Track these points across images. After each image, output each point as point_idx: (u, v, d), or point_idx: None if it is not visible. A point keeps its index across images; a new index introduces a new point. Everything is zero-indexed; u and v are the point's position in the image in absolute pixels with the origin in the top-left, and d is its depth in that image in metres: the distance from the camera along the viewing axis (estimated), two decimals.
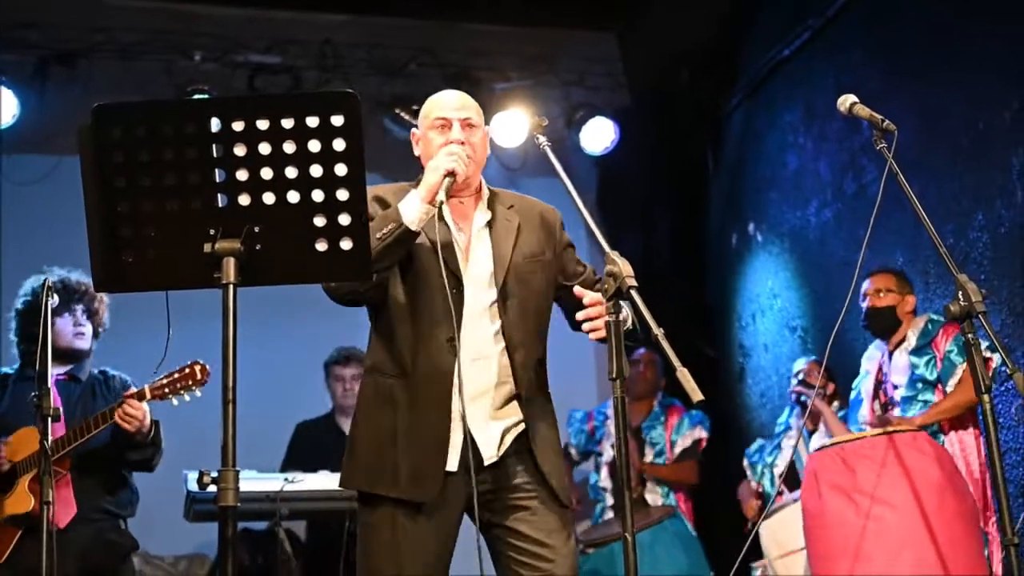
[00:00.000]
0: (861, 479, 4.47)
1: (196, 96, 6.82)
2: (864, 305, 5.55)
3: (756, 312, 7.78)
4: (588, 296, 3.36)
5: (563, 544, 3.49)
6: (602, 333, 3.26)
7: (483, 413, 3.49)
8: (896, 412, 5.26)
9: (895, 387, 5.37)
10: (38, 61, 7.40)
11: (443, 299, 3.40)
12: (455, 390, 3.40)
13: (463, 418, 3.37)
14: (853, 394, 5.66)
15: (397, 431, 3.45)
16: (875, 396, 5.50)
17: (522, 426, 3.52)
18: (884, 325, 5.51)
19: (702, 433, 6.98)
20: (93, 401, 4.77)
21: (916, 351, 5.29)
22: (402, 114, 7.74)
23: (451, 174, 3.38)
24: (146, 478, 4.97)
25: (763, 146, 7.77)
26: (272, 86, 7.63)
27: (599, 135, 8.08)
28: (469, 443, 3.36)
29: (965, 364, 4.80)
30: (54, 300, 4.36)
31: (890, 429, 4.69)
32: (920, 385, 5.24)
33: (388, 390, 3.50)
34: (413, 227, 3.37)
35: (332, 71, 7.75)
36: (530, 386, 3.55)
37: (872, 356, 5.63)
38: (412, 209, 3.38)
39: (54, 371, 4.65)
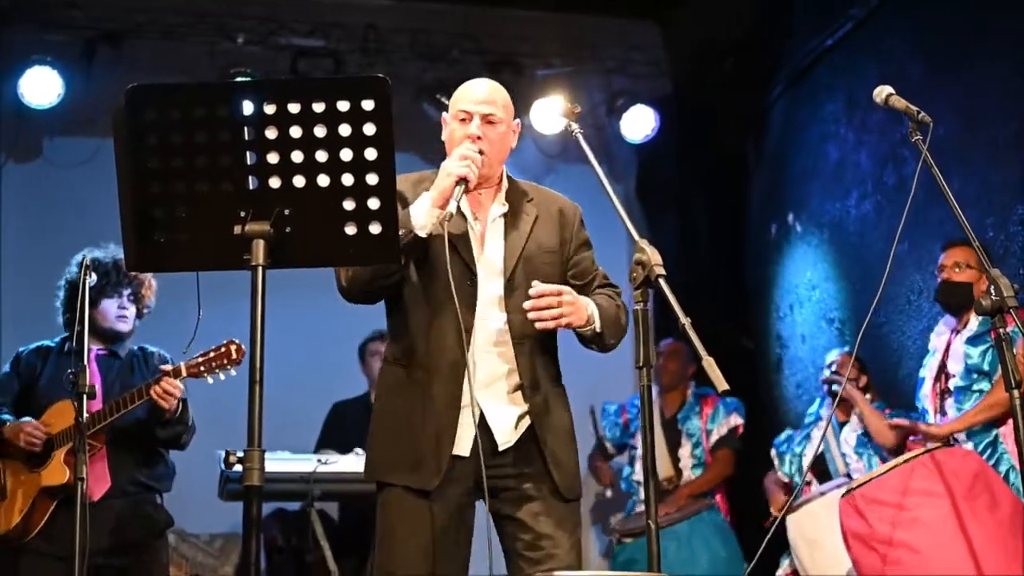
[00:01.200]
0: (876, 526, 4.41)
1: (238, 79, 6.86)
2: (939, 277, 5.32)
3: (794, 303, 7.74)
4: (538, 287, 3.39)
5: (567, 536, 3.51)
6: (547, 324, 3.37)
7: (497, 399, 3.51)
8: (950, 403, 5.18)
9: (950, 376, 5.21)
10: (84, 42, 7.45)
11: (458, 287, 3.40)
12: (467, 378, 3.41)
13: (477, 404, 3.42)
14: (921, 372, 5.52)
15: (409, 420, 3.50)
16: (937, 378, 5.32)
17: (528, 418, 3.54)
18: (958, 301, 5.22)
19: (738, 420, 6.97)
20: (131, 377, 4.82)
21: (973, 339, 5.08)
22: (443, 99, 7.72)
23: (462, 180, 3.38)
24: (183, 457, 5.02)
25: (804, 136, 7.73)
26: (315, 70, 7.66)
27: (639, 123, 8.06)
28: (483, 428, 3.43)
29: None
30: (92, 279, 4.41)
31: (891, 465, 4.61)
32: (975, 375, 5.06)
33: (403, 380, 3.55)
34: (423, 234, 3.39)
35: (374, 55, 7.77)
36: (535, 376, 3.56)
37: (940, 333, 5.41)
38: (422, 214, 3.40)
39: (94, 347, 4.72)
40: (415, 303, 3.53)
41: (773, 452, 6.44)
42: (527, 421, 3.54)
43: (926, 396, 5.36)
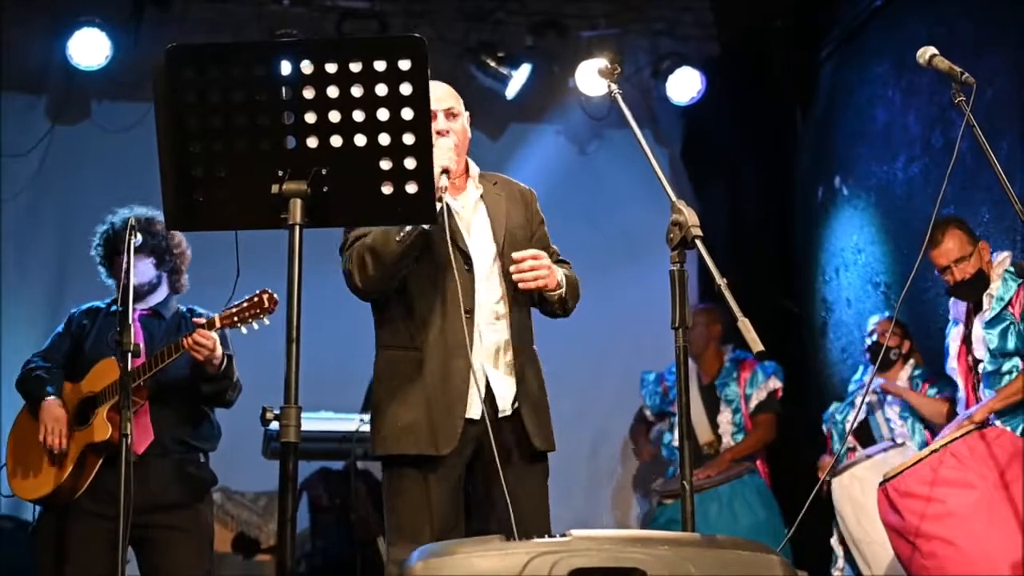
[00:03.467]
0: (909, 519, 4.41)
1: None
2: (947, 280, 5.27)
3: (840, 267, 7.69)
4: (519, 253, 3.67)
5: (539, 504, 3.80)
6: (529, 285, 3.65)
7: (498, 370, 3.76)
8: (981, 388, 5.11)
9: (979, 360, 5.14)
10: (132, 4, 7.46)
11: (454, 273, 3.58)
12: (472, 352, 3.62)
13: (484, 374, 3.68)
14: (947, 341, 5.50)
15: (417, 396, 3.68)
16: (967, 348, 5.26)
17: (516, 386, 3.78)
18: (979, 292, 5.17)
19: (776, 383, 6.94)
20: (176, 335, 4.83)
21: (990, 323, 5.02)
22: (488, 61, 7.73)
23: (445, 171, 3.57)
24: (230, 416, 5.05)
25: (852, 99, 7.65)
26: (360, 31, 7.65)
27: (685, 85, 7.98)
28: (488, 397, 3.68)
29: None
30: (137, 239, 4.45)
31: (929, 449, 4.56)
32: (1001, 358, 4.99)
33: (406, 363, 3.74)
34: (428, 225, 3.57)
35: (419, 17, 7.74)
36: (524, 344, 3.83)
37: (957, 301, 5.39)
38: None
39: (138, 307, 4.76)
40: (414, 289, 3.73)
41: (824, 429, 6.39)
42: (518, 386, 3.79)
43: (954, 368, 5.33)
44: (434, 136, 3.60)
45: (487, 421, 3.51)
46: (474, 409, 3.67)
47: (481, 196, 3.89)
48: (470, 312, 3.68)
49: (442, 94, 3.84)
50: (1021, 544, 4.15)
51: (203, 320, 4.59)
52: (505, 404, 3.74)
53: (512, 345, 3.77)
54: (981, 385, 5.12)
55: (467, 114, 3.94)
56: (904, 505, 4.44)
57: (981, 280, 5.17)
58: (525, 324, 3.86)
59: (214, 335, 4.55)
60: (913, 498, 4.42)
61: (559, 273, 3.76)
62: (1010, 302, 4.98)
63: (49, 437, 4.61)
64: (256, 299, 4.52)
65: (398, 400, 3.71)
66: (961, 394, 5.33)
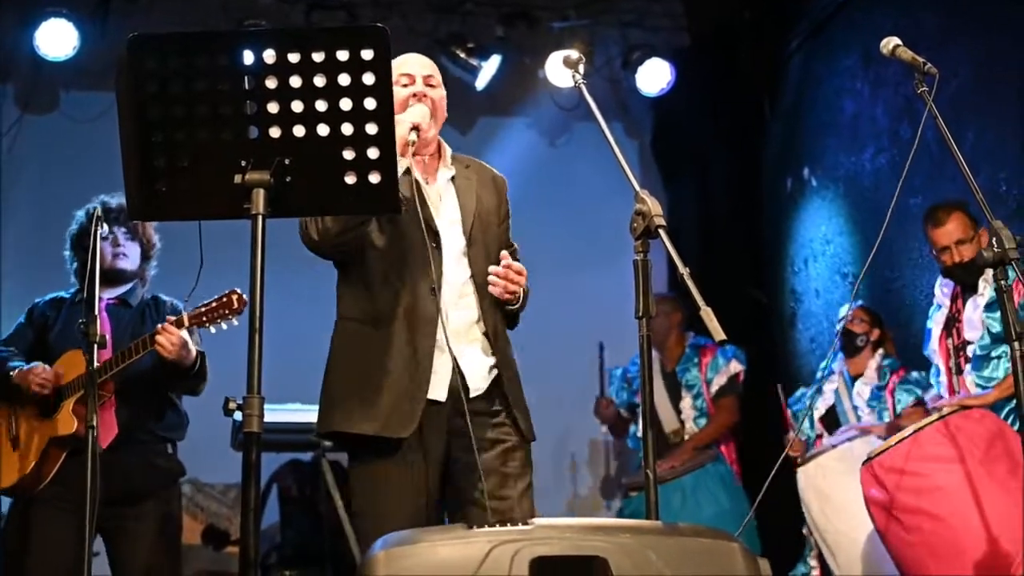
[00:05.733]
0: (895, 495, 4.43)
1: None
2: (944, 260, 5.26)
3: (808, 257, 7.73)
4: (509, 261, 3.65)
5: (523, 483, 3.70)
6: (497, 291, 3.63)
7: (468, 348, 3.69)
8: (968, 368, 5.15)
9: (968, 343, 5.17)
10: None
11: (422, 249, 3.56)
12: (439, 331, 3.57)
13: (450, 350, 3.56)
14: (928, 324, 5.51)
15: (376, 373, 3.60)
16: (949, 334, 5.32)
17: (496, 368, 3.73)
18: (974, 277, 5.17)
19: (738, 367, 6.97)
20: (143, 326, 4.82)
21: (990, 307, 5.03)
22: (457, 52, 7.73)
23: (416, 128, 3.54)
24: (199, 408, 5.03)
25: (821, 90, 7.69)
26: (328, 22, 7.64)
27: (655, 77, 8.00)
28: (457, 375, 3.60)
29: None
30: (103, 229, 4.44)
31: (914, 428, 4.59)
32: (995, 343, 5.00)
33: (366, 337, 3.66)
34: None
35: (388, 8, 7.73)
36: (496, 327, 3.76)
37: (945, 286, 5.40)
38: None
39: (104, 295, 4.75)
40: (379, 262, 3.66)
41: (788, 413, 6.44)
42: (495, 370, 3.72)
43: (935, 351, 5.35)
44: (410, 100, 3.70)
45: (460, 400, 3.48)
46: (438, 390, 3.60)
47: (452, 177, 3.84)
48: (435, 290, 3.60)
49: (424, 62, 3.85)
50: (1005, 521, 4.20)
51: (172, 318, 4.58)
52: (478, 382, 3.68)
53: (484, 326, 3.71)
54: (968, 366, 5.14)
55: (445, 93, 3.89)
56: (890, 480, 4.47)
57: (978, 268, 5.12)
58: (499, 309, 3.76)
59: (183, 334, 4.54)
60: (900, 473, 4.45)
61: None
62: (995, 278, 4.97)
63: (38, 381, 4.60)
64: (225, 299, 4.52)
65: (356, 376, 3.64)
66: (942, 377, 5.35)
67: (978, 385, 4.98)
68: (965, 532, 4.27)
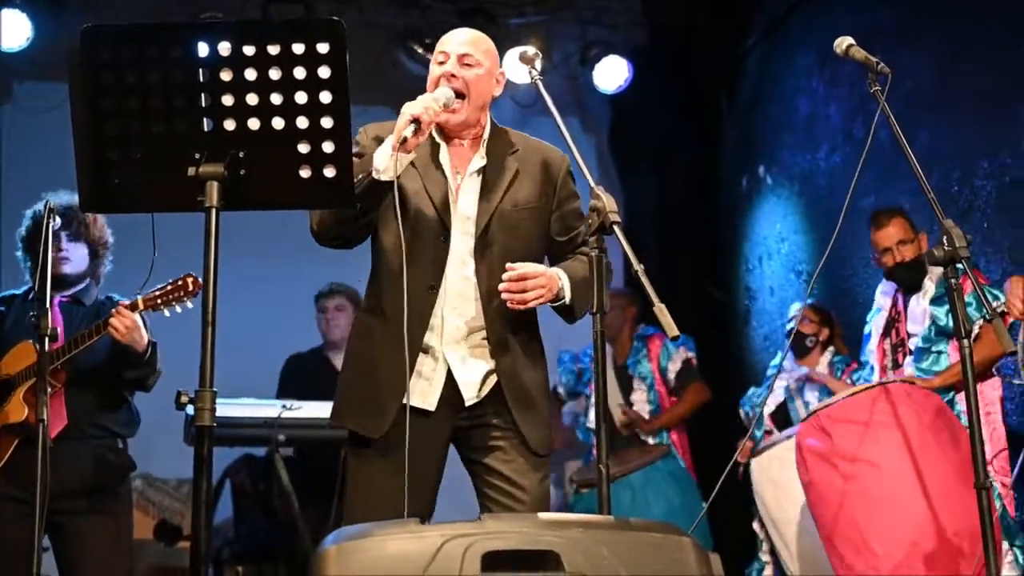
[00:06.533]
0: (839, 443, 4.51)
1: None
2: (886, 261, 5.34)
3: (763, 255, 7.78)
4: (509, 273, 3.41)
5: (535, 485, 3.52)
6: (517, 307, 3.42)
7: (463, 354, 3.53)
8: (907, 362, 5.21)
9: (910, 335, 5.25)
10: None
11: (430, 245, 3.48)
12: (432, 333, 3.49)
13: (444, 358, 3.48)
14: (867, 328, 5.60)
15: (370, 368, 3.54)
16: (887, 334, 5.40)
17: (496, 376, 3.55)
18: (916, 278, 5.29)
19: (688, 353, 6.98)
20: (96, 322, 4.80)
21: (937, 300, 5.11)
22: (415, 47, 7.71)
23: (415, 121, 3.31)
24: (152, 402, 5.00)
25: (777, 88, 7.74)
26: (286, 15, 7.58)
27: (612, 74, 8.02)
28: (450, 383, 3.50)
29: (982, 319, 4.73)
30: (56, 223, 4.40)
31: (865, 385, 4.68)
32: (937, 336, 5.09)
33: (370, 329, 3.58)
34: (382, 177, 3.34)
35: (347, 2, 7.71)
36: (505, 334, 3.56)
37: (886, 291, 5.49)
38: (383, 157, 3.35)
39: (57, 295, 4.72)
40: (391, 253, 3.51)
41: (741, 413, 6.47)
42: (494, 379, 3.55)
43: (872, 352, 5.43)
44: (440, 80, 3.52)
45: (453, 409, 3.46)
46: (430, 399, 3.49)
47: (483, 168, 3.59)
48: (434, 288, 3.49)
49: (465, 39, 3.63)
50: (942, 485, 4.30)
51: (126, 302, 4.55)
52: (471, 393, 3.52)
53: (488, 333, 3.53)
54: (909, 359, 5.21)
55: (502, 72, 3.72)
56: (837, 430, 4.54)
57: (918, 267, 5.27)
58: (517, 314, 3.52)
59: (137, 317, 4.51)
60: (850, 423, 4.52)
61: (562, 279, 3.49)
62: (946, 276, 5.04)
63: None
64: (180, 282, 4.50)
65: (355, 368, 3.60)
66: (874, 377, 5.41)
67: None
68: (900, 488, 4.35)
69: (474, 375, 3.54)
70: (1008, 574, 4.55)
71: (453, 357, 3.51)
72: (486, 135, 3.66)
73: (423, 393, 3.50)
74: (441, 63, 3.58)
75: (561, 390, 7.36)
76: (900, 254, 5.29)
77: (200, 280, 4.43)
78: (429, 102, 3.39)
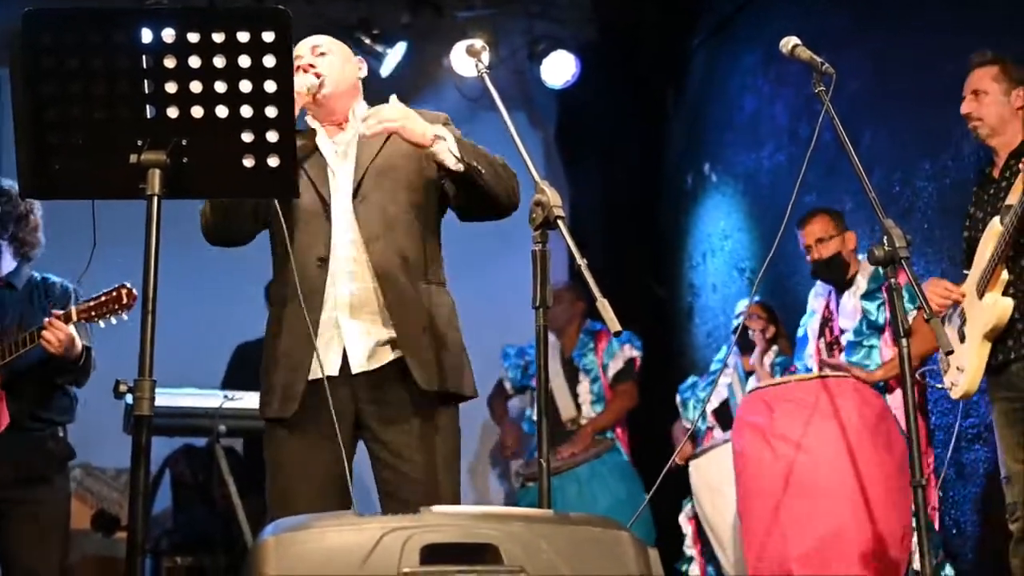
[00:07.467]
0: (779, 422, 4.54)
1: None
2: (808, 258, 5.48)
3: (707, 252, 7.82)
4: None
5: (431, 454, 3.55)
6: (375, 128, 3.41)
7: (358, 323, 3.55)
8: (841, 357, 5.27)
9: (843, 331, 5.33)
10: None
11: (316, 221, 3.55)
12: (328, 304, 3.52)
13: (337, 326, 3.52)
14: (800, 332, 5.67)
15: (273, 355, 3.58)
16: (821, 335, 5.47)
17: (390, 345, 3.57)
18: (836, 274, 5.43)
19: (633, 352, 7.02)
20: (31, 306, 4.73)
21: (868, 295, 5.20)
22: (364, 39, 7.68)
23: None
24: (92, 392, 4.93)
25: (723, 87, 7.78)
26: (232, 3, 7.54)
27: (560, 69, 8.02)
28: (346, 352, 3.52)
29: (916, 313, 4.78)
30: None
31: (817, 374, 4.74)
32: (868, 331, 5.18)
33: (277, 319, 3.61)
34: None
35: None
36: (398, 288, 3.55)
37: (819, 294, 5.58)
38: None
39: None
40: (281, 245, 3.56)
41: (678, 399, 6.52)
42: (389, 347, 3.57)
43: (810, 355, 5.49)
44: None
45: (349, 380, 3.49)
46: (330, 368, 3.50)
47: (359, 137, 3.64)
48: (323, 260, 3.52)
49: (312, 40, 3.74)
50: (873, 481, 4.37)
51: (59, 312, 4.49)
52: (360, 360, 3.53)
53: (379, 294, 3.52)
54: (842, 355, 5.26)
55: (359, 59, 3.83)
56: (780, 408, 4.59)
57: (839, 264, 5.38)
58: (404, 262, 3.55)
59: (70, 329, 4.46)
60: (792, 403, 4.57)
61: (439, 131, 3.46)
62: (885, 284, 5.10)
63: None
64: (115, 294, 4.45)
65: (265, 360, 3.63)
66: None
67: None
68: (831, 479, 4.41)
69: (364, 341, 3.55)
70: None
71: (346, 322, 3.54)
72: (360, 111, 3.73)
73: (328, 361, 3.52)
74: (298, 66, 3.59)
75: (508, 385, 7.39)
76: (818, 251, 5.42)
77: (134, 292, 4.42)
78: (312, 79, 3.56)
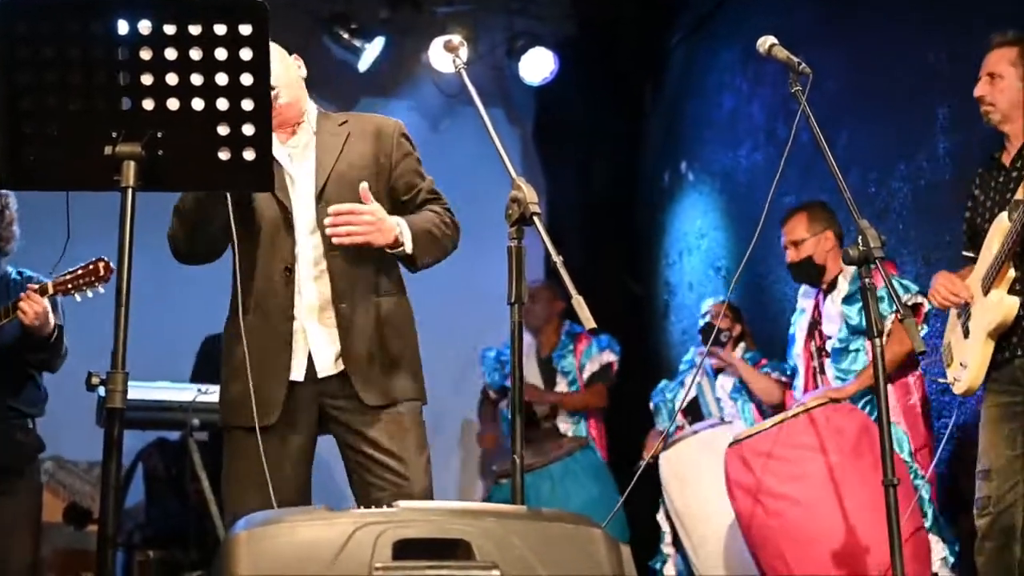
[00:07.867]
0: (761, 477, 4.55)
1: None
2: (786, 260, 5.48)
3: (683, 250, 7.83)
4: (335, 207, 3.47)
5: (413, 453, 3.69)
6: (343, 241, 3.44)
7: (320, 326, 3.59)
8: (828, 363, 5.24)
9: (828, 337, 5.29)
10: None
11: (278, 230, 3.57)
12: (295, 310, 3.56)
13: (304, 333, 3.56)
14: (791, 330, 5.65)
15: (241, 365, 3.55)
16: (810, 335, 5.43)
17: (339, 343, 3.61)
18: (809, 276, 5.42)
19: (611, 357, 7.05)
20: (7, 299, 4.72)
21: (848, 299, 5.15)
22: (341, 33, 7.66)
23: None
24: (63, 383, 4.93)
25: (701, 85, 7.79)
26: None
27: (538, 65, 8.02)
28: (311, 357, 3.57)
29: (894, 315, 4.78)
30: None
31: (790, 413, 4.70)
32: (852, 335, 5.13)
33: (239, 329, 3.56)
34: None
35: None
36: (355, 296, 3.61)
37: (807, 293, 5.55)
38: None
39: None
40: (244, 255, 3.57)
41: (651, 405, 6.51)
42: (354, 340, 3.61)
43: (798, 355, 5.47)
44: None
45: (314, 384, 3.53)
46: (296, 372, 3.56)
47: (315, 142, 3.69)
48: (290, 269, 3.55)
49: None
50: (863, 513, 4.33)
51: (36, 285, 4.49)
52: (325, 364, 3.58)
53: (337, 299, 3.58)
54: (828, 360, 5.24)
55: (295, 56, 3.80)
56: (759, 464, 4.58)
57: (810, 268, 5.37)
58: (359, 273, 3.61)
59: (45, 301, 4.45)
60: (768, 457, 4.56)
61: (401, 227, 3.53)
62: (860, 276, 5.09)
63: None
64: (92, 267, 4.45)
65: (229, 369, 3.62)
66: (799, 381, 5.46)
67: (838, 377, 5.09)
68: (823, 520, 4.40)
69: (329, 347, 3.59)
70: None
71: (312, 327, 3.58)
72: (311, 113, 3.76)
73: (295, 366, 3.57)
74: None
75: (491, 391, 7.38)
76: (792, 254, 5.42)
77: (111, 264, 4.39)
78: None
